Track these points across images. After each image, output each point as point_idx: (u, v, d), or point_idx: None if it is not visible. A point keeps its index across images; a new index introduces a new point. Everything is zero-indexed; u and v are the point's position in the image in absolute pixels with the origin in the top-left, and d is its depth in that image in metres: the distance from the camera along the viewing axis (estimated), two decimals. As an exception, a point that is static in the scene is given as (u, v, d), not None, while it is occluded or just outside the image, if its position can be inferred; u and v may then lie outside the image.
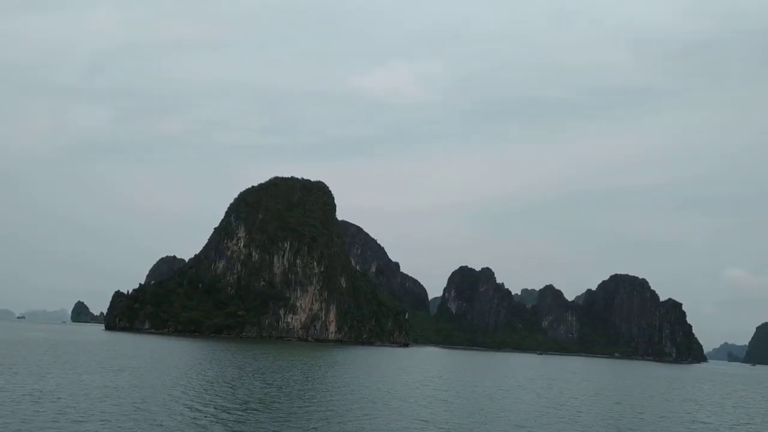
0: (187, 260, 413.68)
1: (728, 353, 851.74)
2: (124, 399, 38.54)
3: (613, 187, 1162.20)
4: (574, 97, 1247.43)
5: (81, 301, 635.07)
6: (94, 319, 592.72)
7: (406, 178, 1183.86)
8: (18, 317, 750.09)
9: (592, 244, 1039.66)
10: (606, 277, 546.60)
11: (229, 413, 35.59)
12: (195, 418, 33.56)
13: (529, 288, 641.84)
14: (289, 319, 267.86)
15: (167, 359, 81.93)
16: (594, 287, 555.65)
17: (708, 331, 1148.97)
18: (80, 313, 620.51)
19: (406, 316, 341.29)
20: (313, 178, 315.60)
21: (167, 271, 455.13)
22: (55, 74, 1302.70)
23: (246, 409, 36.74)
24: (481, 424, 38.60)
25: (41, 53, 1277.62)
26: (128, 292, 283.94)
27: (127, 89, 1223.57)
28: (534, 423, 40.35)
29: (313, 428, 32.49)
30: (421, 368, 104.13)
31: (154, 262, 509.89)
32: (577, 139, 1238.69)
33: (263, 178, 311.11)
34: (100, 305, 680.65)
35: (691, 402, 71.65)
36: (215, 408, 37.13)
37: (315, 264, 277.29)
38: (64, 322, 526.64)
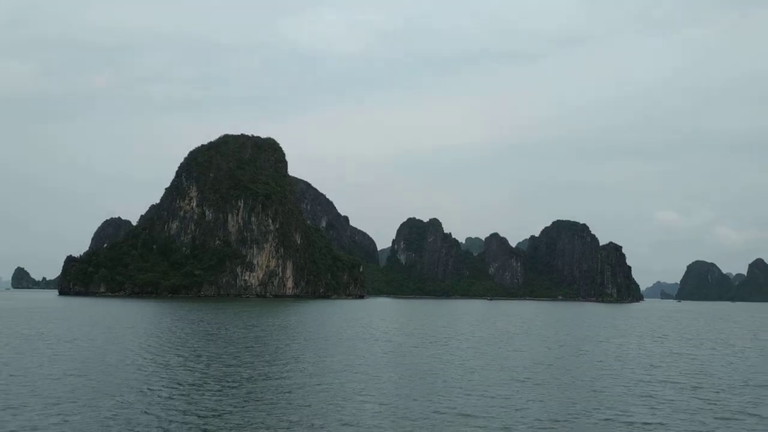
0: (133, 222, 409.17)
1: (661, 291, 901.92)
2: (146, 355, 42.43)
3: (551, 137, 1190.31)
4: (513, 46, 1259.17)
5: (21, 267, 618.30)
6: (36, 284, 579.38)
7: (348, 130, 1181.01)
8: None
9: (533, 192, 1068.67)
10: (548, 224, 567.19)
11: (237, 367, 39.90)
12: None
13: (474, 236, 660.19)
14: (247, 277, 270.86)
15: (148, 321, 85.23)
16: (537, 233, 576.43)
17: (642, 272, 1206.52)
18: (21, 279, 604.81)
19: (361, 269, 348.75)
20: (260, 135, 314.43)
21: (113, 233, 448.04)
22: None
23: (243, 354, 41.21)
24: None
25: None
26: (79, 255, 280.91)
27: (51, 41, 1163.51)
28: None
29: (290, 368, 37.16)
30: (393, 319, 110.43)
31: (98, 225, 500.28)
32: (517, 89, 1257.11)
33: (198, 136, 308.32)
34: (41, 270, 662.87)
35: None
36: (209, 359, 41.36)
37: (270, 221, 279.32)
38: (8, 289, 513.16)
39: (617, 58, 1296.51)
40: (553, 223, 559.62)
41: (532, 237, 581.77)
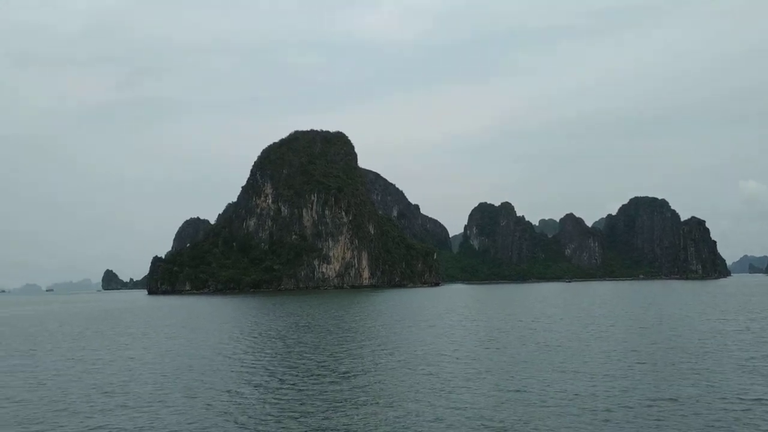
0: (211, 221, 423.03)
1: (749, 265, 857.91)
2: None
3: (621, 109, 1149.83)
4: (574, 21, 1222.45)
5: (110, 269, 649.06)
6: (124, 285, 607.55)
7: (412, 117, 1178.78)
8: (46, 290, 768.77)
9: (607, 168, 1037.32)
10: (625, 201, 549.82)
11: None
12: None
13: (547, 218, 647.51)
14: (324, 269, 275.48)
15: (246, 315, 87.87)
16: (614, 212, 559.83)
17: (727, 245, 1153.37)
18: (110, 280, 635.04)
19: (435, 257, 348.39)
20: (329, 129, 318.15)
21: (193, 233, 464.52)
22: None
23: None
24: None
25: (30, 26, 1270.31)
26: (164, 256, 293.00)
27: (123, 54, 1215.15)
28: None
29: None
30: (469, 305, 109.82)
31: (179, 225, 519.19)
32: (571, 65, 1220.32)
33: (269, 134, 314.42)
34: (127, 272, 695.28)
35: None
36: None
37: (343, 214, 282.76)
38: (99, 291, 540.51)
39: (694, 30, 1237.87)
40: (631, 200, 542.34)
41: (609, 216, 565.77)
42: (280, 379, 30.19)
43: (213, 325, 68.69)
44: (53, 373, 34.00)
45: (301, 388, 27.74)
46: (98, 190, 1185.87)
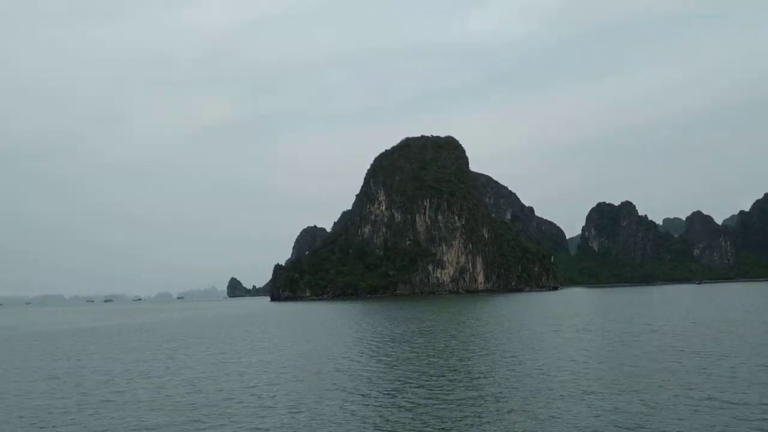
0: (327, 229, 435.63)
1: None
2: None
3: (749, 100, 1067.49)
4: (694, 8, 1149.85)
5: (234, 277, 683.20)
6: (247, 292, 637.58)
7: (525, 118, 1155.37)
8: (177, 298, 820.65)
9: (737, 162, 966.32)
10: (759, 196, 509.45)
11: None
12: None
13: (672, 217, 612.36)
14: (438, 274, 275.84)
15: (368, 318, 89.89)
16: (747, 208, 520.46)
17: None
18: (235, 288, 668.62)
19: (552, 260, 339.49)
20: (439, 134, 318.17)
21: (311, 240, 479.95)
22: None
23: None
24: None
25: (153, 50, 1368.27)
26: (284, 264, 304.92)
27: (238, 74, 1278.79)
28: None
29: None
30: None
31: (297, 233, 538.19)
32: (690, 52, 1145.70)
33: (381, 141, 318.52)
34: (250, 279, 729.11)
35: None
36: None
37: (456, 218, 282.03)
38: (225, 298, 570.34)
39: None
40: (766, 194, 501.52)
41: (742, 212, 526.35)
42: (413, 383, 30.63)
43: (338, 329, 70.81)
44: (202, 375, 36.32)
45: (436, 392, 27.99)
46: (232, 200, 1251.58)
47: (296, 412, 24.77)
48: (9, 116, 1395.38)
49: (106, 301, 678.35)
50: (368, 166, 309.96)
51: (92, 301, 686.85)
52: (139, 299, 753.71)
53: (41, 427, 23.98)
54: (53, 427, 23.97)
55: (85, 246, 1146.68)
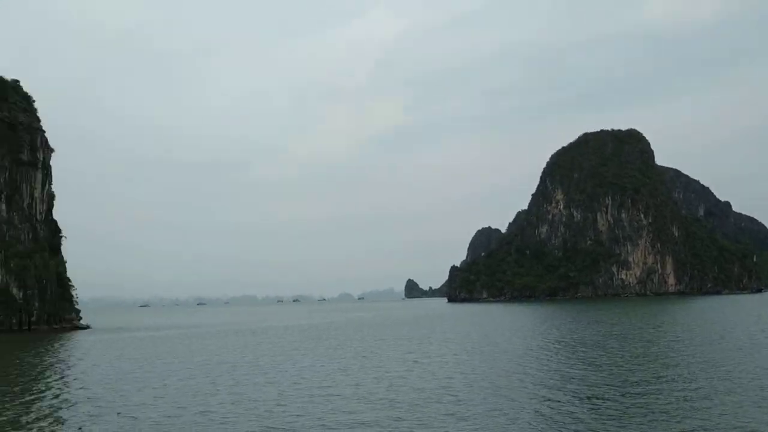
0: (502, 230, 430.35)
1: None
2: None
3: None
4: None
5: (411, 278, 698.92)
6: (424, 293, 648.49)
7: (713, 105, 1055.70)
8: (358, 298, 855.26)
9: None
10: None
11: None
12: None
13: None
14: (623, 276, 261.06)
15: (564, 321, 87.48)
16: None
17: None
18: (412, 289, 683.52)
19: (754, 259, 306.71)
20: (620, 127, 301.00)
21: (486, 241, 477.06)
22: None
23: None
24: None
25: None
26: (458, 265, 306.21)
27: (411, 78, 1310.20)
28: None
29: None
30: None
31: (472, 235, 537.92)
32: None
33: (555, 138, 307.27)
34: (426, 281, 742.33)
35: None
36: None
37: (641, 216, 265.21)
38: (403, 299, 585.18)
39: None
40: None
41: None
42: (616, 389, 29.15)
43: (522, 331, 69.56)
44: (396, 373, 37.51)
45: (645, 401, 26.36)
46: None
47: (494, 416, 24.54)
48: (212, 132, 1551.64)
49: (294, 301, 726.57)
50: (543, 165, 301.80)
51: (282, 301, 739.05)
52: (324, 300, 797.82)
53: (259, 417, 26.01)
54: (271, 418, 25.87)
55: (275, 250, 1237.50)
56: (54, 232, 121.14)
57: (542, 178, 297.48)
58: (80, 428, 24.31)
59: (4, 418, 26.63)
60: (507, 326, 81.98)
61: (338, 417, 25.06)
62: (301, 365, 43.63)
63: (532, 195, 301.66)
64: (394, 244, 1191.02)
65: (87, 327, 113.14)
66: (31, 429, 24.53)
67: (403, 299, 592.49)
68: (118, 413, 26.93)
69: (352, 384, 33.78)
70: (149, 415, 26.48)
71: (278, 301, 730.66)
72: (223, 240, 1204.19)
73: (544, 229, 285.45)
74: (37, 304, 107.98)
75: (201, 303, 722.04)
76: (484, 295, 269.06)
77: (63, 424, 25.41)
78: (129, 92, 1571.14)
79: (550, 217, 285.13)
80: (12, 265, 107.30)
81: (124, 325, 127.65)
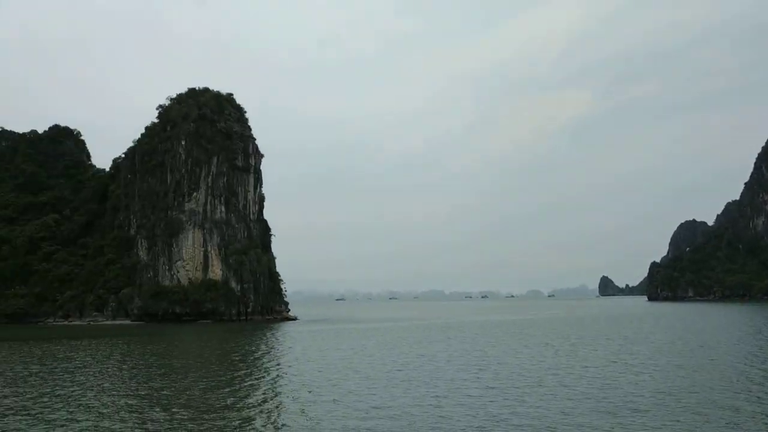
0: (708, 222, 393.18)
1: None
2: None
3: None
4: None
5: (605, 275, 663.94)
6: (620, 291, 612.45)
7: None
8: (548, 296, 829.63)
9: None
10: None
11: None
12: None
13: None
14: None
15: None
16: None
17: None
18: (606, 286, 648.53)
19: None
20: None
21: (690, 236, 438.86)
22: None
23: None
24: None
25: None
26: (659, 261, 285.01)
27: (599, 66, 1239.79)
28: None
29: None
30: None
31: (673, 229, 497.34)
32: None
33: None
34: (622, 278, 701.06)
35: None
36: None
37: None
38: (597, 297, 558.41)
39: None
40: None
41: None
42: None
43: (748, 335, 63.01)
44: (609, 373, 35.91)
45: None
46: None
47: (733, 427, 22.55)
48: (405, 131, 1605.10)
49: (482, 297, 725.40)
50: (758, 150, 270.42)
51: (470, 297, 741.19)
52: (512, 296, 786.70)
53: (475, 413, 26.42)
54: (490, 411, 26.07)
55: (462, 248, 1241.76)
56: (265, 230, 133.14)
57: (757, 165, 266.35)
58: (303, 410, 26.44)
59: (232, 399, 29.70)
60: (726, 328, 74.64)
61: (551, 416, 24.44)
62: (508, 361, 43.43)
63: (745, 184, 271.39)
64: (587, 238, 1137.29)
65: (295, 318, 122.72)
66: (260, 410, 26.96)
67: (597, 297, 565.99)
68: (334, 400, 28.78)
69: (558, 384, 32.79)
70: (363, 404, 27.79)
71: (466, 297, 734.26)
72: (412, 237, 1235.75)
73: (759, 221, 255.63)
74: (252, 296, 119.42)
75: (393, 297, 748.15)
76: (690, 294, 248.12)
77: (286, 407, 27.55)
78: (328, 98, 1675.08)
79: (767, 207, 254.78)
80: (231, 261, 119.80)
81: (327, 317, 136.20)
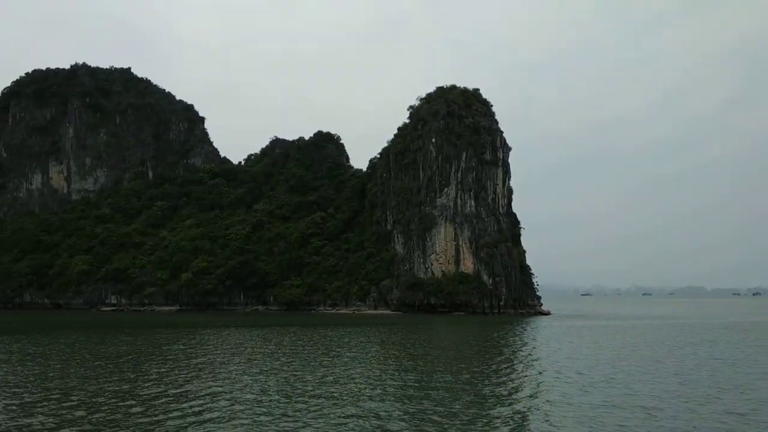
0: None
1: None
2: None
3: None
4: None
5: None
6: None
7: None
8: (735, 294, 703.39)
9: None
10: None
11: None
12: None
13: None
14: None
15: None
16: None
17: None
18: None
19: None
20: None
21: None
22: None
23: None
24: None
25: None
26: None
27: None
28: None
29: None
30: None
31: None
32: None
33: None
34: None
35: None
36: None
37: None
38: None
39: None
40: None
41: None
42: None
43: None
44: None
45: None
46: None
47: None
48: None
49: (753, 294, 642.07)
50: None
51: (738, 294, 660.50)
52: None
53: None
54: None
55: (735, 240, 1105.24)
56: (514, 223, 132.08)
57: None
58: (572, 410, 24.65)
59: (488, 389, 29.35)
60: None
61: None
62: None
63: None
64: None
65: (548, 313, 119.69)
66: (529, 404, 25.93)
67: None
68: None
69: None
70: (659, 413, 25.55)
71: (733, 294, 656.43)
72: (662, 228, 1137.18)
73: None
74: (503, 289, 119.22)
75: (646, 293, 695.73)
76: None
77: (556, 405, 26.12)
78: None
79: None
80: (482, 254, 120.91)
81: (580, 313, 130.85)
